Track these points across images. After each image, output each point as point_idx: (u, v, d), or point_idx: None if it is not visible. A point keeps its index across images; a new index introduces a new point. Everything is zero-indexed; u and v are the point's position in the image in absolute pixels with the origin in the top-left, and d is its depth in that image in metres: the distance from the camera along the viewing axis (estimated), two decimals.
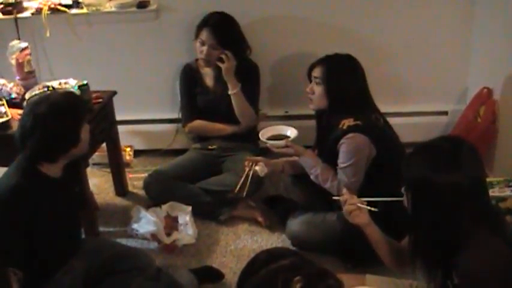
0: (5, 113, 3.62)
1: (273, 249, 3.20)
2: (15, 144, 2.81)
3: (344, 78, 3.31)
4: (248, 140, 4.14)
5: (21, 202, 2.68)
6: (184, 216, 3.72)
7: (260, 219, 3.85)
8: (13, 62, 3.99)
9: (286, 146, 3.41)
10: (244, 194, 3.56)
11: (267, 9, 4.32)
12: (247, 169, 3.53)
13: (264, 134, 3.54)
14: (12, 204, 2.68)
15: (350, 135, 3.19)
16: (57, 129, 2.71)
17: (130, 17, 4.47)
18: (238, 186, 3.55)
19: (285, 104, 4.59)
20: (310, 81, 3.39)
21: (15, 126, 3.53)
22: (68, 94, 3.04)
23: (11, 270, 2.49)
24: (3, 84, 3.90)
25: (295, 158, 3.52)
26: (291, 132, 3.54)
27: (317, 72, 3.33)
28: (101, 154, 4.27)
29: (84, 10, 4.48)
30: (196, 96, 4.17)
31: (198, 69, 4.18)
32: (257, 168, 3.51)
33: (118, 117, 4.13)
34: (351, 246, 3.25)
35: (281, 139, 3.48)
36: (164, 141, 4.68)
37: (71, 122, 2.77)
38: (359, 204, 2.63)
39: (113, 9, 4.43)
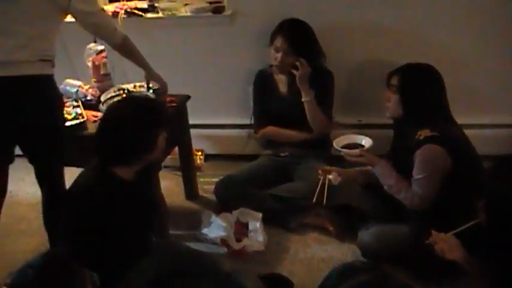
0: (81, 114, 3.68)
1: (348, 263, 3.15)
2: (92, 145, 2.85)
3: (421, 88, 3.25)
4: (320, 147, 4.10)
5: (96, 203, 2.70)
6: (255, 223, 3.70)
7: (330, 228, 3.80)
8: (89, 64, 4.06)
9: (361, 155, 3.37)
10: (324, 201, 3.51)
11: (342, 16, 4.27)
12: (321, 178, 3.50)
13: (338, 143, 3.50)
14: (87, 205, 2.71)
15: (426, 146, 3.12)
16: (135, 134, 2.74)
17: (205, 22, 4.49)
18: (316, 196, 3.52)
19: (358, 113, 4.52)
20: (389, 89, 3.33)
21: (90, 127, 3.60)
22: (150, 101, 3.08)
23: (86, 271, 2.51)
24: (80, 86, 3.96)
25: (369, 168, 3.47)
26: (366, 141, 3.49)
27: (395, 80, 3.28)
28: (172, 157, 4.30)
29: (160, 14, 4.54)
30: (269, 103, 4.16)
31: (271, 76, 4.16)
32: (331, 177, 3.47)
33: (190, 121, 4.15)
34: (422, 260, 3.18)
35: (355, 148, 3.44)
36: (235, 146, 4.69)
37: (149, 129, 2.79)
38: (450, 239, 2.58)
39: (188, 13, 4.46)
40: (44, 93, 3.11)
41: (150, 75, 3.61)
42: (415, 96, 3.24)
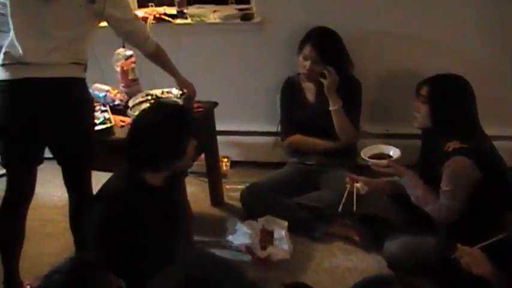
0: (109, 119, 3.70)
1: (374, 275, 3.12)
2: (119, 150, 2.86)
3: (451, 99, 3.21)
4: (347, 156, 4.08)
5: (125, 208, 2.72)
6: (280, 231, 3.68)
7: (356, 238, 3.78)
8: (118, 69, 4.09)
9: (388, 166, 3.35)
10: (354, 209, 3.49)
11: (371, 25, 4.25)
12: (348, 186, 3.48)
13: (366, 152, 3.49)
14: (116, 209, 2.72)
15: (454, 158, 3.09)
16: (166, 142, 2.75)
17: (234, 29, 4.51)
18: (342, 205, 3.50)
19: (385, 122, 4.50)
20: (418, 99, 3.31)
21: (118, 132, 3.61)
22: (181, 108, 3.08)
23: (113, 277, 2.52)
24: (108, 91, 3.99)
25: (396, 178, 3.44)
26: (394, 152, 3.48)
27: (424, 90, 3.25)
28: (198, 163, 4.29)
29: (189, 21, 4.56)
30: (296, 111, 4.16)
31: (299, 84, 4.16)
32: (358, 185, 3.46)
33: (217, 128, 4.16)
34: (449, 273, 3.15)
35: (383, 158, 3.42)
36: (261, 153, 4.69)
37: (180, 137, 2.80)
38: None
39: (217, 20, 4.48)
40: (76, 96, 3.14)
41: (180, 82, 3.62)
42: (445, 107, 3.20)
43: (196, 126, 3.02)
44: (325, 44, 3.96)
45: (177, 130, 2.78)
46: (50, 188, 4.50)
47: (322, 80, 3.91)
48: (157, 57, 3.48)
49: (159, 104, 3.29)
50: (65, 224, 3.49)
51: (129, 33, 3.33)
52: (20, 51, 3.01)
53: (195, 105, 3.74)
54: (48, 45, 3.03)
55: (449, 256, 2.69)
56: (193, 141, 2.87)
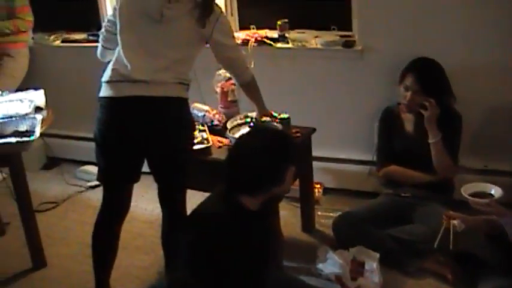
0: (206, 139, 3.74)
1: None
2: (215, 170, 2.88)
3: None
4: (443, 191, 4.00)
5: (221, 230, 2.73)
6: (372, 263, 3.62)
7: (449, 276, 3.67)
8: (218, 90, 4.14)
9: (489, 205, 3.26)
10: (451, 246, 3.40)
11: (474, 56, 4.15)
12: (445, 223, 3.40)
13: (466, 190, 3.40)
14: (212, 230, 2.74)
15: None
16: (266, 168, 2.76)
17: (334, 55, 4.50)
18: (438, 241, 3.42)
19: (484, 157, 4.37)
20: None
21: (215, 152, 3.64)
22: (282, 134, 3.10)
23: None
24: (207, 111, 4.03)
25: (495, 217, 3.34)
26: (496, 191, 3.39)
27: None
28: (292, 187, 4.28)
29: (290, 45, 4.58)
30: (394, 141, 4.10)
31: (398, 114, 4.10)
32: (455, 222, 3.37)
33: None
34: None
35: (484, 197, 3.34)
36: (355, 181, 4.65)
37: (280, 163, 2.80)
38: None
39: (318, 46, 4.48)
40: (179, 115, 3.20)
41: (263, 112, 3.67)
42: None
43: (296, 152, 3.02)
44: (427, 75, 3.89)
45: (278, 156, 2.79)
46: (143, 202, 4.60)
47: (423, 112, 3.84)
48: (251, 87, 3.54)
49: (260, 129, 3.30)
50: (155, 238, 3.55)
51: (231, 59, 3.38)
52: (129, 68, 3.09)
53: (293, 130, 3.74)
54: (156, 64, 3.11)
55: None
56: (292, 167, 2.86)
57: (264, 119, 3.66)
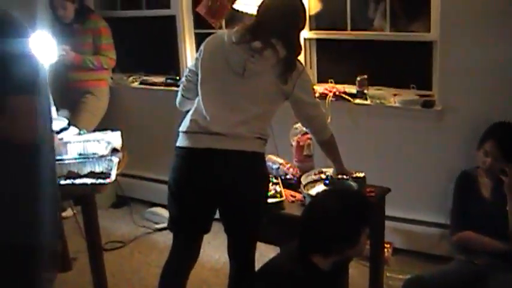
0: (280, 192, 3.70)
1: None
2: (289, 225, 2.86)
3: None
4: None
5: None
6: None
7: None
8: (293, 143, 4.11)
9: None
10: None
11: None
12: None
13: None
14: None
15: None
16: (342, 229, 2.73)
17: (412, 115, 4.45)
18: None
19: None
20: None
21: (287, 207, 3.60)
22: (359, 196, 3.09)
23: None
24: (281, 164, 4.00)
25: None
26: None
27: None
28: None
29: (368, 102, 4.56)
30: (470, 206, 3.99)
31: (476, 178, 4.00)
32: None
33: None
34: None
35: None
36: (426, 244, 4.55)
37: (356, 225, 2.78)
38: None
39: (397, 104, 4.45)
40: (256, 170, 3.21)
41: (341, 172, 3.61)
42: None
43: (372, 214, 2.98)
44: (508, 142, 3.81)
45: (355, 219, 2.77)
46: (209, 249, 4.59)
47: (503, 178, 3.75)
48: (330, 146, 3.50)
49: (336, 189, 3.28)
50: (219, 287, 3.50)
51: (311, 117, 3.36)
52: (208, 119, 3.10)
53: (368, 189, 3.68)
54: (237, 118, 3.11)
55: None
56: (367, 229, 2.84)
57: (340, 176, 3.61)
